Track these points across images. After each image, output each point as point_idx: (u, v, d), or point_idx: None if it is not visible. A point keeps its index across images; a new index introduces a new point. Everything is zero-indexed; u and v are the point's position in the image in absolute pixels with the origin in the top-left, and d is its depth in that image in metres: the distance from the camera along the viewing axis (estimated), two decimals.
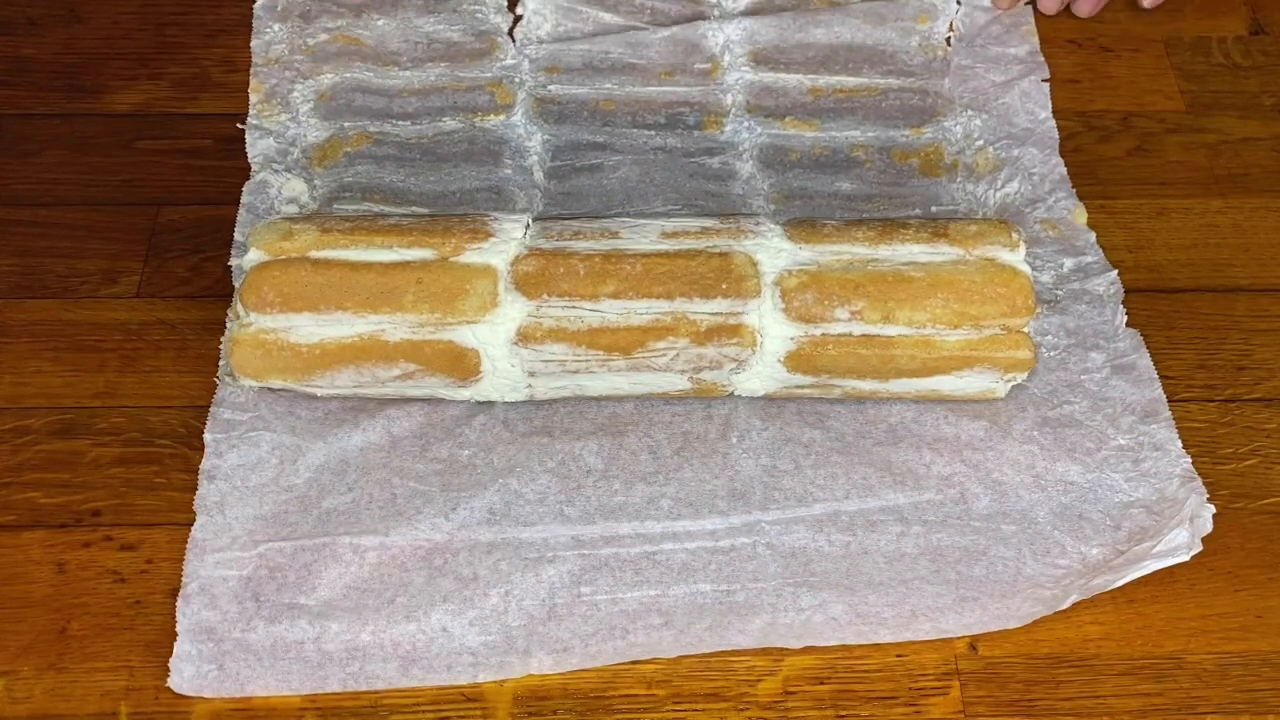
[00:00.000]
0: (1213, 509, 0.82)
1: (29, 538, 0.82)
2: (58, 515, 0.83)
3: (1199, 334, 0.93)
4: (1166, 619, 0.80)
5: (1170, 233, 0.98)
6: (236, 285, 0.90)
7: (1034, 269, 0.92)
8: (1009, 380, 0.86)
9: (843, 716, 0.76)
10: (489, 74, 1.04)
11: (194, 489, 0.83)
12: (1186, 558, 0.80)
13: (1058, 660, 0.78)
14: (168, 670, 0.76)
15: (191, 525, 0.81)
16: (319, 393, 0.85)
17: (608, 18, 1.07)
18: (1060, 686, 0.77)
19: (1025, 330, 0.84)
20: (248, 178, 0.96)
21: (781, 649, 0.78)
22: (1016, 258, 0.84)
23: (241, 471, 0.83)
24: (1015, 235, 0.85)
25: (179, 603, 0.78)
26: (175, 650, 0.76)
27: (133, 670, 0.77)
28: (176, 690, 0.75)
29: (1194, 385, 0.90)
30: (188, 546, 0.80)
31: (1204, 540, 0.81)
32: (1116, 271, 0.93)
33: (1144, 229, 0.98)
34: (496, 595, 0.79)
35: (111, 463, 0.85)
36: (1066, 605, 0.79)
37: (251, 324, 0.83)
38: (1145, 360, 0.89)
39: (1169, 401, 0.88)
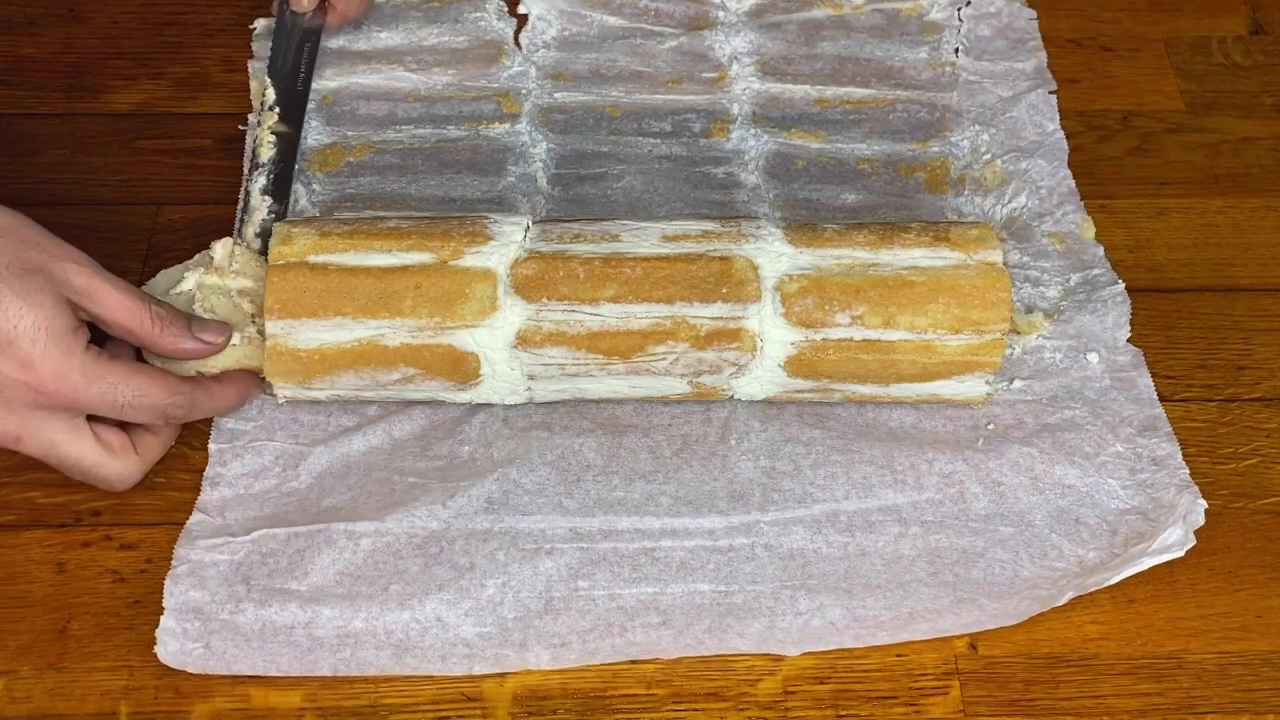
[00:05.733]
0: (1204, 504, 0.82)
1: (29, 537, 0.82)
2: (57, 515, 0.83)
3: (1199, 334, 0.93)
4: (1166, 619, 0.80)
5: (1170, 233, 0.98)
6: None
7: (1041, 284, 0.93)
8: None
9: (843, 716, 0.76)
10: (496, 84, 1.03)
11: (194, 489, 0.83)
12: (1180, 554, 0.80)
13: (1058, 660, 0.78)
14: (167, 670, 0.76)
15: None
16: (320, 396, 0.85)
17: (612, 20, 1.07)
18: (1060, 686, 0.77)
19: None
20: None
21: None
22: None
23: (245, 480, 0.83)
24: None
25: (167, 583, 0.78)
26: (160, 624, 0.76)
27: (132, 670, 0.77)
28: (161, 660, 0.75)
29: (1194, 385, 0.90)
30: (181, 533, 0.80)
31: (1204, 540, 0.81)
32: (1123, 284, 0.92)
33: (1144, 229, 0.98)
34: (493, 586, 0.79)
35: None
36: (1063, 601, 0.79)
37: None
38: (1146, 380, 0.89)
39: (1169, 401, 0.88)
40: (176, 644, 0.76)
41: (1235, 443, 0.88)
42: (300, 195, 0.96)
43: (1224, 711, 0.77)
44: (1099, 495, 0.84)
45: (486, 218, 0.85)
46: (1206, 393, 0.90)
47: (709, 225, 0.86)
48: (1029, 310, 0.91)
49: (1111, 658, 0.79)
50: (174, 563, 0.79)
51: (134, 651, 0.77)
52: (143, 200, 0.97)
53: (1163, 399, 0.88)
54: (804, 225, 0.86)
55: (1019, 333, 0.90)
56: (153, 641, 0.76)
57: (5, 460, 0.84)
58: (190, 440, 0.85)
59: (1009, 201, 0.97)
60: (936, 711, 0.77)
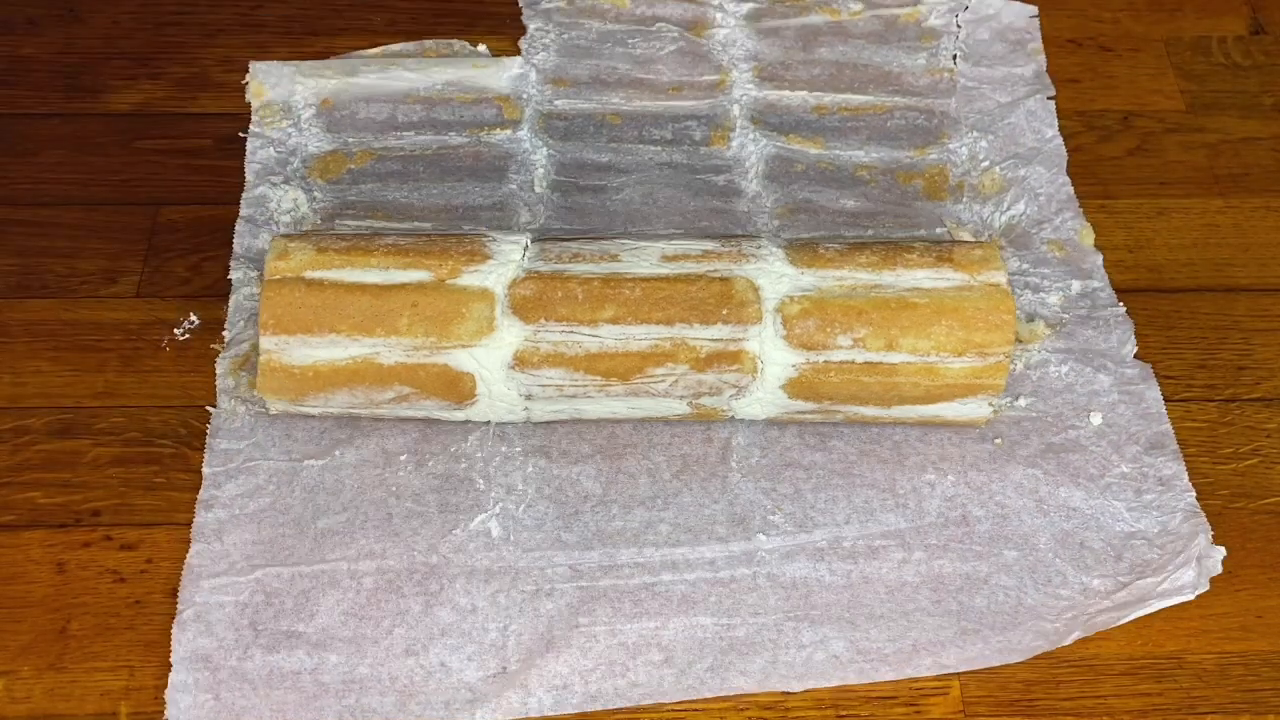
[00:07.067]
0: (1223, 551, 0.81)
1: (29, 537, 0.82)
2: (58, 515, 0.83)
3: (1199, 334, 0.93)
4: (1166, 619, 0.80)
5: (1170, 233, 0.98)
6: (233, 297, 0.90)
7: (1040, 291, 0.92)
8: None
9: (843, 716, 0.76)
10: (496, 84, 1.03)
11: (194, 488, 0.83)
12: (1192, 597, 0.80)
13: (1058, 660, 0.78)
14: (168, 668, 0.76)
15: (191, 525, 0.81)
16: (314, 412, 0.85)
17: (611, 26, 1.07)
18: (1060, 686, 0.77)
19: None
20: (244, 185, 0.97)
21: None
22: None
23: (240, 500, 0.83)
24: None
25: (174, 630, 0.77)
26: (171, 680, 0.76)
27: (133, 670, 0.77)
28: None
29: (1194, 385, 0.90)
30: (183, 572, 0.80)
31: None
32: (1124, 307, 0.92)
33: (1144, 229, 0.98)
34: (495, 630, 0.78)
35: (111, 463, 0.85)
36: (1069, 642, 0.79)
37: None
38: (1154, 394, 0.88)
39: (1169, 401, 0.88)
40: (188, 698, 0.75)
41: (1235, 443, 0.88)
42: (302, 202, 0.96)
43: (1224, 711, 0.77)
44: (1104, 518, 0.83)
45: (485, 236, 0.85)
46: (1206, 393, 0.90)
47: (709, 245, 0.85)
48: (1030, 319, 0.91)
49: (1111, 658, 0.79)
50: (179, 606, 0.78)
51: (134, 651, 0.77)
52: (142, 200, 0.97)
53: (1163, 399, 0.88)
54: (805, 245, 0.85)
55: (1021, 341, 0.89)
56: (153, 641, 0.77)
57: (5, 460, 0.85)
58: (190, 440, 0.85)
59: (1008, 209, 0.97)
60: (936, 711, 0.77)
